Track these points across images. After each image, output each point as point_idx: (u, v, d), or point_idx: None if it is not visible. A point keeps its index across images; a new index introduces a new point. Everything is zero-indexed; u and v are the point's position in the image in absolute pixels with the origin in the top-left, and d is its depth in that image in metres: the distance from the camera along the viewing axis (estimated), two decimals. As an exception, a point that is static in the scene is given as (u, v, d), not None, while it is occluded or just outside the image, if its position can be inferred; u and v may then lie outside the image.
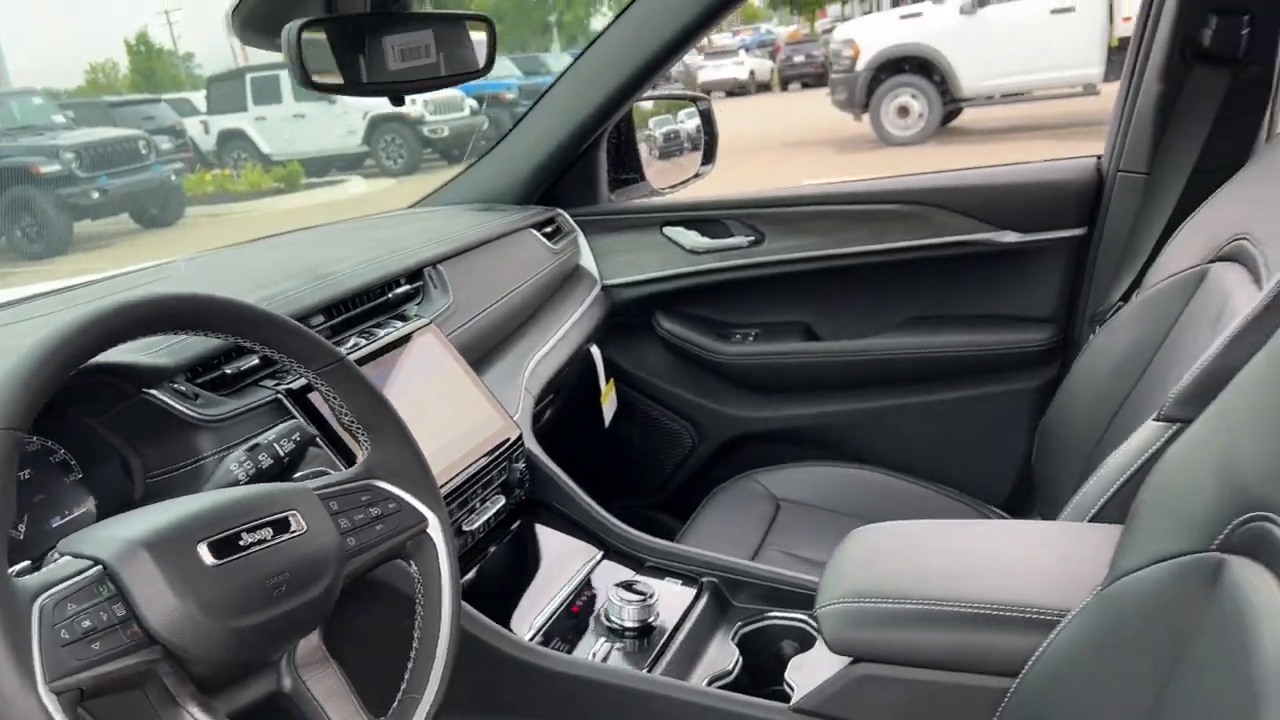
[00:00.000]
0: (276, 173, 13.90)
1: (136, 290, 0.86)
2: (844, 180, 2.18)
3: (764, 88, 23.87)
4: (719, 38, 37.35)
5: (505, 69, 18.27)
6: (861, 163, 10.05)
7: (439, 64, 1.24)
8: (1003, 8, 10.24)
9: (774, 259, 2.05)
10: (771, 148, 11.92)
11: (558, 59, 22.83)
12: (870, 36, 10.88)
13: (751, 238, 2.06)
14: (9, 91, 12.61)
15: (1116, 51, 9.62)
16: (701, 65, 23.88)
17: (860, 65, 10.67)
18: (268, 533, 0.83)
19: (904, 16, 11.00)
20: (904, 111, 10.64)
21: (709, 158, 2.23)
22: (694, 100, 2.24)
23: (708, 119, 2.21)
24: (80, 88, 24.97)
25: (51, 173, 10.66)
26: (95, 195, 10.78)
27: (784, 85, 23.46)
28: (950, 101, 10.65)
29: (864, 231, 1.99)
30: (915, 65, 10.54)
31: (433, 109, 13.76)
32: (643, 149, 2.14)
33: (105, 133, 11.99)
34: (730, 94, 23.18)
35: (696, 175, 2.23)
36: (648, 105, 2.17)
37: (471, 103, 14.77)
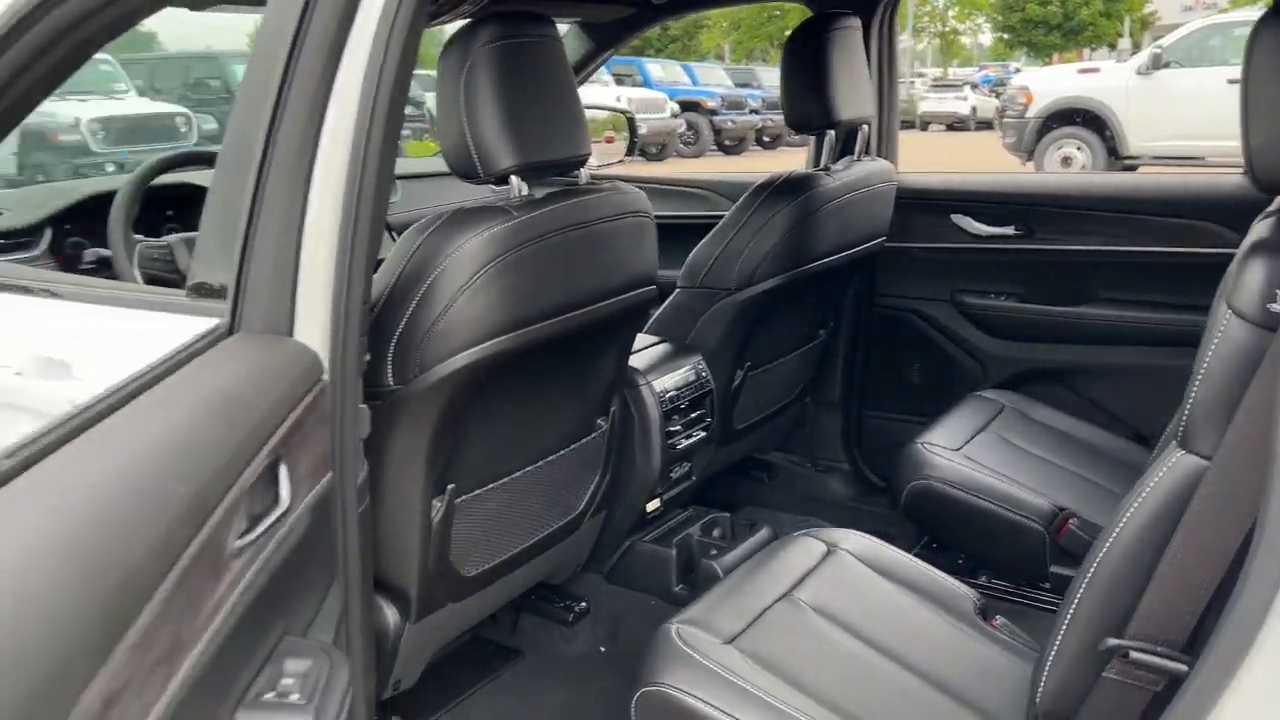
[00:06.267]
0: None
1: None
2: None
3: (985, 125, 23.48)
4: (957, 70, 36.65)
5: (716, 77, 19.23)
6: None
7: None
8: (1180, 72, 10.30)
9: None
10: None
11: (774, 73, 23.45)
12: (1045, 86, 11.18)
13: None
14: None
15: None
16: (924, 96, 23.89)
17: (1031, 112, 10.98)
18: None
19: (1081, 70, 11.20)
20: (1067, 161, 10.84)
21: (630, 152, 3.11)
22: (622, 112, 3.14)
23: (631, 126, 3.10)
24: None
25: (70, 141, 10.63)
26: (110, 169, 10.02)
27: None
28: (1117, 158, 10.76)
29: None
30: (1086, 118, 10.75)
31: (636, 107, 14.90)
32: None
33: (141, 107, 11.92)
34: (950, 127, 23.11)
35: (620, 161, 3.11)
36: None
37: (674, 105, 15.84)
